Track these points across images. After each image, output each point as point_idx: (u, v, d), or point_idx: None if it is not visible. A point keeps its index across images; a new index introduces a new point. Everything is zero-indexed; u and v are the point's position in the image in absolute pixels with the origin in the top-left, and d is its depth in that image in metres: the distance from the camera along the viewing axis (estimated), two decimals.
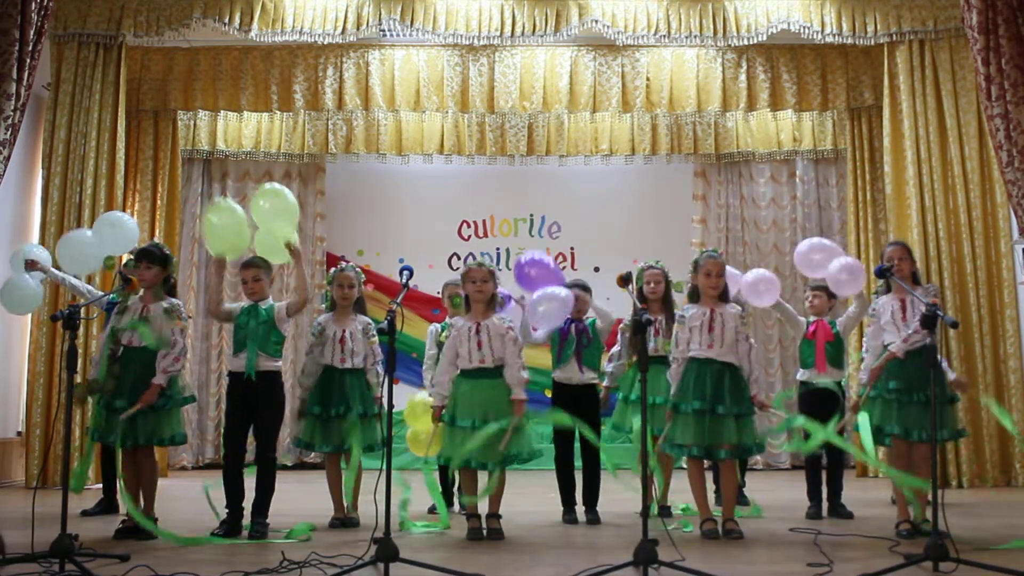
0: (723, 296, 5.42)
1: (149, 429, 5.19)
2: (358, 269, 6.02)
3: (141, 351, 5.24)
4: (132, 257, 5.52)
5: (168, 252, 5.54)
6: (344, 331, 5.79)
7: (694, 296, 5.45)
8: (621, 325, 6.42)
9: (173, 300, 5.44)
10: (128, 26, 8.40)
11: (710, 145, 10.14)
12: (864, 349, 5.53)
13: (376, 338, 5.84)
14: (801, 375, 6.36)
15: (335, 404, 5.71)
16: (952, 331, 7.91)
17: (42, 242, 8.13)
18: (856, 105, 9.27)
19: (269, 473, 5.34)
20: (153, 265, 5.36)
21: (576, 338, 6.00)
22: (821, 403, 6.19)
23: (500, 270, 5.96)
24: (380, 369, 5.80)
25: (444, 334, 6.40)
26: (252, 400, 5.28)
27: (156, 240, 8.47)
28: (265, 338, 5.35)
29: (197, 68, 9.22)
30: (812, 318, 6.44)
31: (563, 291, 5.65)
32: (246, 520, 5.30)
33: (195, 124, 10.03)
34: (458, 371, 5.31)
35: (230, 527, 5.20)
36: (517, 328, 5.41)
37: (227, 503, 5.29)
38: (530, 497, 6.90)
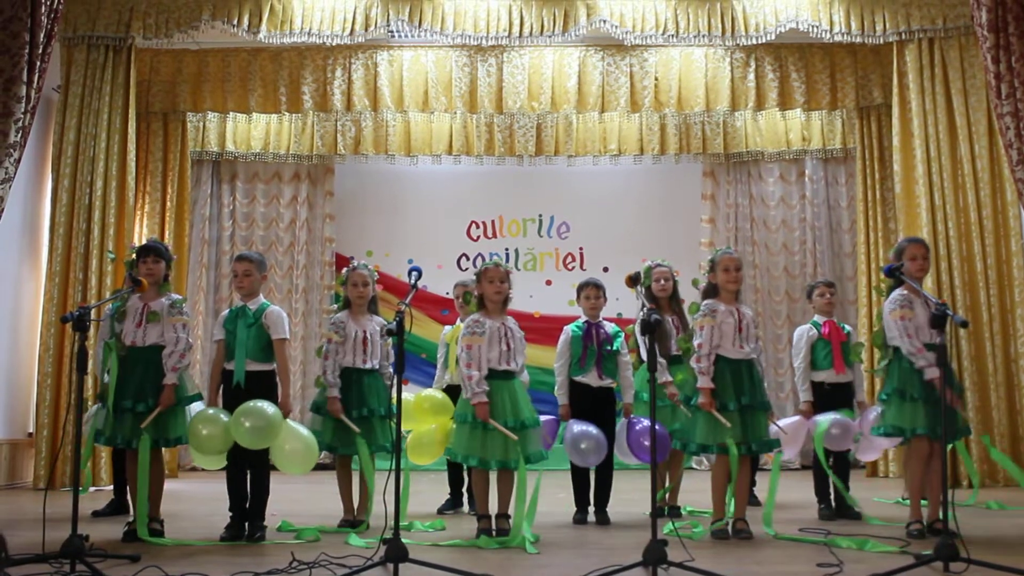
0: (736, 294, 5.41)
1: (156, 430, 5.19)
2: (370, 268, 5.98)
3: (146, 351, 5.26)
4: (132, 256, 5.50)
5: (168, 248, 5.59)
6: (365, 331, 5.73)
7: (710, 293, 5.43)
8: (630, 326, 6.42)
9: (174, 296, 5.44)
10: (137, 28, 8.41)
11: (719, 145, 10.13)
12: (908, 340, 5.17)
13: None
14: (816, 376, 6.32)
15: (356, 406, 5.62)
16: (962, 331, 7.88)
17: (50, 241, 8.18)
18: (865, 104, 9.24)
19: (263, 476, 5.33)
20: (160, 260, 5.40)
21: (597, 349, 5.98)
22: (834, 402, 6.17)
23: (518, 270, 5.94)
24: (390, 370, 5.75)
25: (449, 334, 6.43)
26: (244, 402, 5.20)
27: (155, 237, 8.52)
28: (255, 345, 5.32)
29: (206, 70, 9.23)
30: (821, 317, 6.42)
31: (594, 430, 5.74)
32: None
33: (204, 126, 10.06)
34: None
35: (236, 530, 5.21)
36: None
37: (230, 506, 5.30)
38: (539, 497, 6.89)
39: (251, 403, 5.14)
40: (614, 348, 5.99)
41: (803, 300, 10.09)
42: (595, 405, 5.93)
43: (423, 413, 5.95)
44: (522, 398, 5.30)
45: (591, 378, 5.98)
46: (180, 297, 5.48)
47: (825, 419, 5.98)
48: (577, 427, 5.73)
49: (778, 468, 5.59)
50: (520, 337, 5.37)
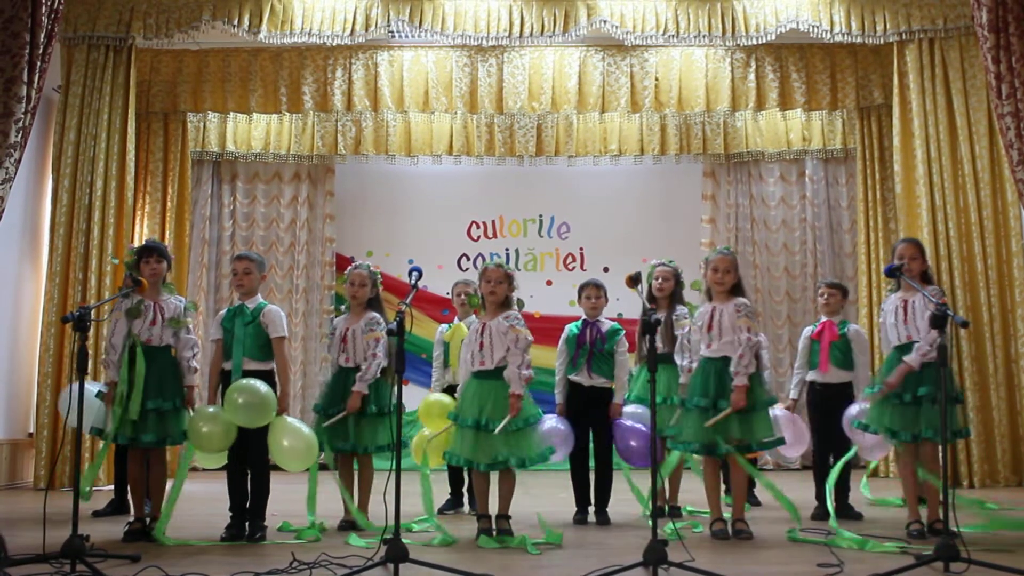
0: (736, 292, 5.39)
1: (161, 429, 5.21)
2: (373, 268, 5.96)
3: (162, 350, 5.29)
4: (132, 256, 5.51)
5: (167, 248, 5.62)
6: (348, 329, 5.73)
7: (710, 295, 5.44)
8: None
9: (183, 299, 5.47)
10: (137, 28, 8.41)
11: (719, 145, 10.12)
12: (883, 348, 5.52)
13: (374, 333, 5.67)
14: (808, 375, 6.38)
15: (336, 404, 5.65)
16: (963, 331, 7.89)
17: (50, 241, 8.19)
18: (865, 104, 9.23)
19: (262, 476, 5.33)
20: (163, 259, 5.41)
21: (589, 347, 5.99)
22: (829, 402, 6.18)
23: (519, 270, 5.94)
24: (372, 365, 5.62)
25: (448, 333, 6.44)
26: None
27: (154, 238, 8.52)
28: (253, 343, 5.33)
29: (206, 70, 9.23)
30: (823, 318, 6.43)
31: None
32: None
33: (204, 126, 10.05)
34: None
35: (236, 530, 5.21)
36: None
37: (230, 506, 5.31)
38: (540, 498, 6.90)
39: (244, 380, 5.17)
40: (606, 347, 5.99)
41: (803, 300, 10.15)
42: (588, 404, 5.94)
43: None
44: (491, 398, 5.18)
45: (582, 377, 5.99)
46: (189, 301, 5.52)
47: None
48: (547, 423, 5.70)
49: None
50: (502, 332, 5.21)
